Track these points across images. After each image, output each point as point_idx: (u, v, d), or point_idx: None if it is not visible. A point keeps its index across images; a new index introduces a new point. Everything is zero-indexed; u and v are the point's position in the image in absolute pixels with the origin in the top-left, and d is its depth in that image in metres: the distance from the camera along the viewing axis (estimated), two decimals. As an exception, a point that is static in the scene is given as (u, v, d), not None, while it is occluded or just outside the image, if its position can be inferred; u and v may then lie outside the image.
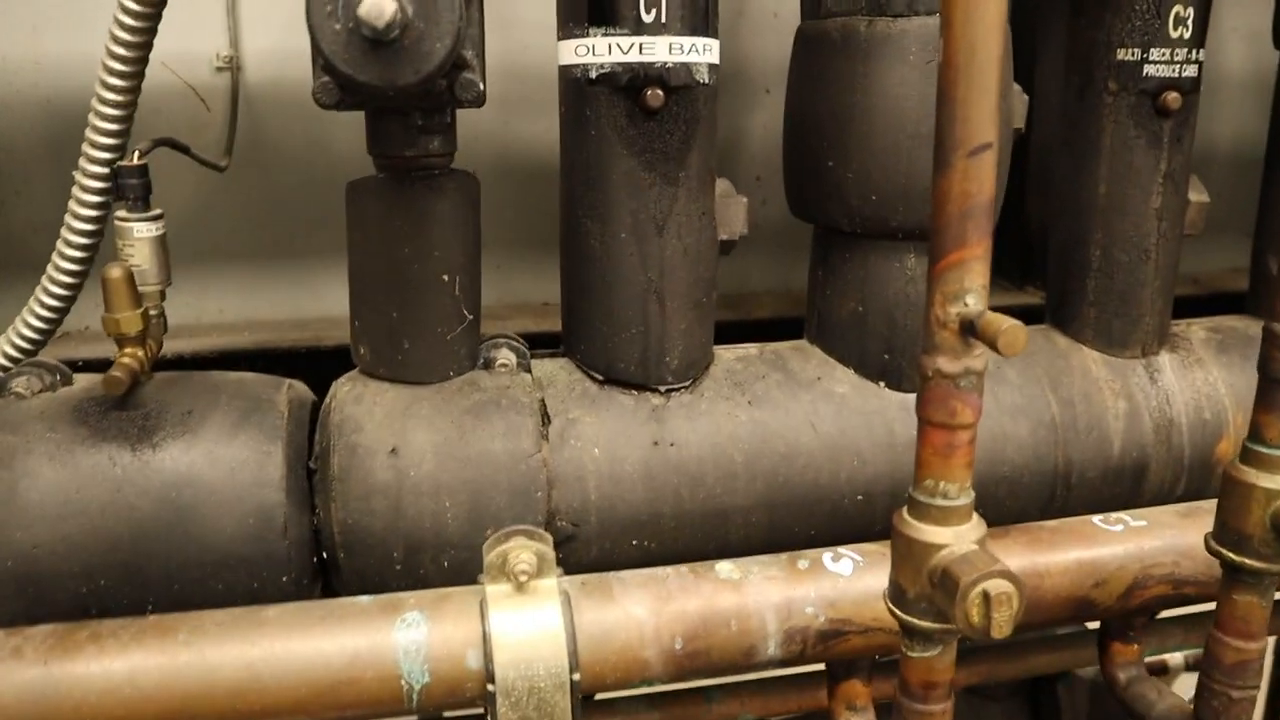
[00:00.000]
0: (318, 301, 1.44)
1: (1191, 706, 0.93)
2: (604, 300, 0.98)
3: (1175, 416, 1.12)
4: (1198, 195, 1.15)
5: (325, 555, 0.94)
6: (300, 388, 1.02)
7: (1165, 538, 0.99)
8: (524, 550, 0.82)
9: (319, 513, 0.93)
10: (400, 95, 0.68)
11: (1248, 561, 0.84)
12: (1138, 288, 1.12)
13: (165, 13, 0.97)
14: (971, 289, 0.68)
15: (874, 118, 0.96)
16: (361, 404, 0.96)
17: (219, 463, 0.87)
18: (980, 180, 0.66)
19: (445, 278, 0.95)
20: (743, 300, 1.48)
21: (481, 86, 0.77)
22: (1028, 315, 1.49)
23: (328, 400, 0.98)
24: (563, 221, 1.01)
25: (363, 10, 0.61)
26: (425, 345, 0.96)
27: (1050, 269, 1.19)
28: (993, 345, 0.64)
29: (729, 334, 1.39)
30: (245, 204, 1.40)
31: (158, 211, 0.98)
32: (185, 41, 1.31)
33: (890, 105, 0.96)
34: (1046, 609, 0.95)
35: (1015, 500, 1.08)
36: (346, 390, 0.98)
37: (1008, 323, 0.64)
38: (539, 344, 1.36)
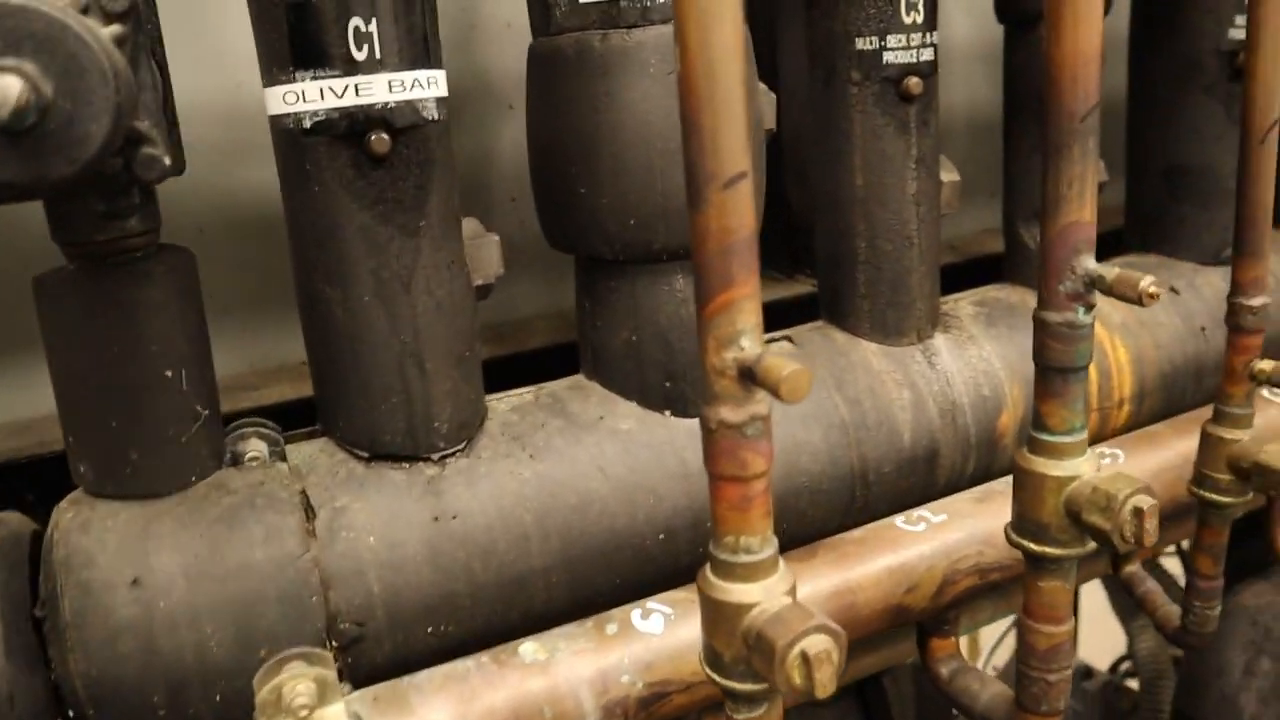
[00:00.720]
0: (35, 400, 1.27)
1: (1013, 693, 0.93)
2: (356, 371, 0.88)
3: (957, 398, 1.13)
4: (949, 175, 1.16)
5: (72, 715, 0.80)
6: (13, 521, 0.88)
7: (966, 528, 0.98)
8: (300, 680, 0.72)
9: (55, 668, 0.80)
10: (57, 189, 0.57)
11: (1048, 550, 0.83)
12: (906, 275, 1.12)
13: None
14: (745, 330, 0.62)
15: (621, 137, 0.90)
16: (90, 532, 0.83)
17: (-95, 645, 0.73)
18: (740, 213, 0.60)
19: (169, 373, 0.83)
20: (514, 330, 1.40)
21: (167, 161, 0.66)
22: (802, 305, 1.49)
23: (49, 532, 0.84)
24: (298, 288, 0.91)
25: (-21, 100, 0.50)
26: (157, 453, 0.84)
27: (819, 265, 1.18)
28: (775, 393, 0.59)
29: (503, 371, 1.31)
30: (-71, 298, 1.21)
31: None
32: None
33: (637, 122, 0.90)
34: (864, 624, 0.92)
35: (817, 509, 1.06)
36: (70, 517, 0.84)
37: (788, 368, 0.59)
38: (301, 413, 1.24)
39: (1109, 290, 0.76)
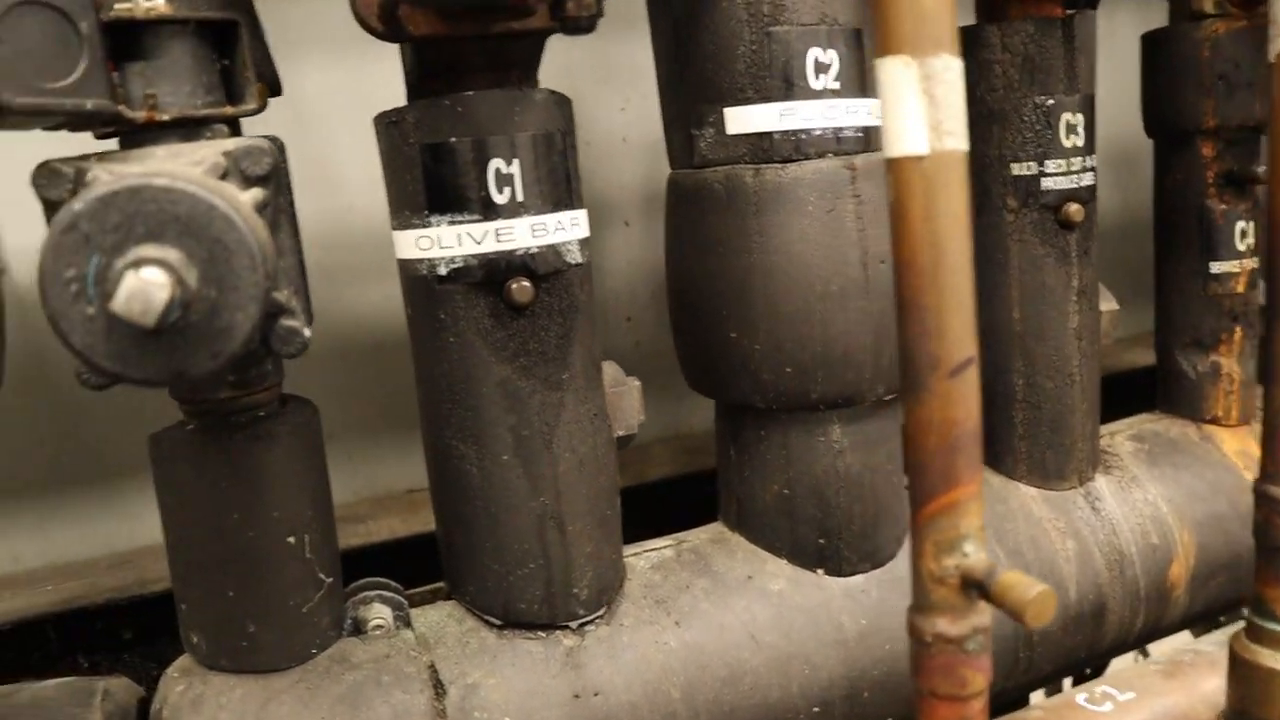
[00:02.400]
0: (135, 528, 1.22)
1: None
2: (492, 534, 0.81)
3: (1124, 547, 1.03)
4: (1108, 304, 1.07)
5: None
6: (120, 690, 0.81)
7: (1156, 708, 0.88)
8: None
9: None
10: (197, 384, 0.51)
11: (1280, 758, 0.73)
12: (1067, 414, 1.02)
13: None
14: (969, 533, 0.54)
15: (777, 280, 0.83)
16: (202, 710, 0.76)
17: None
18: (966, 402, 0.53)
19: (291, 540, 0.76)
20: (633, 458, 1.33)
21: (307, 333, 0.60)
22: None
23: (157, 707, 0.78)
24: (427, 443, 0.84)
25: (122, 304, 0.43)
26: (276, 624, 0.77)
27: (969, 401, 1.09)
28: (1017, 618, 0.51)
29: (625, 503, 1.24)
30: (32, 425, 1.17)
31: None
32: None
33: (794, 264, 0.83)
34: (1050, 822, 0.82)
35: (978, 672, 0.95)
36: (180, 691, 0.77)
37: (1034, 588, 0.50)
38: (411, 551, 1.18)
39: (1356, 464, 0.67)
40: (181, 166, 0.57)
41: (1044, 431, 1.03)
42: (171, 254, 0.47)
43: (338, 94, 1.18)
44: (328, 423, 1.29)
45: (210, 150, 0.58)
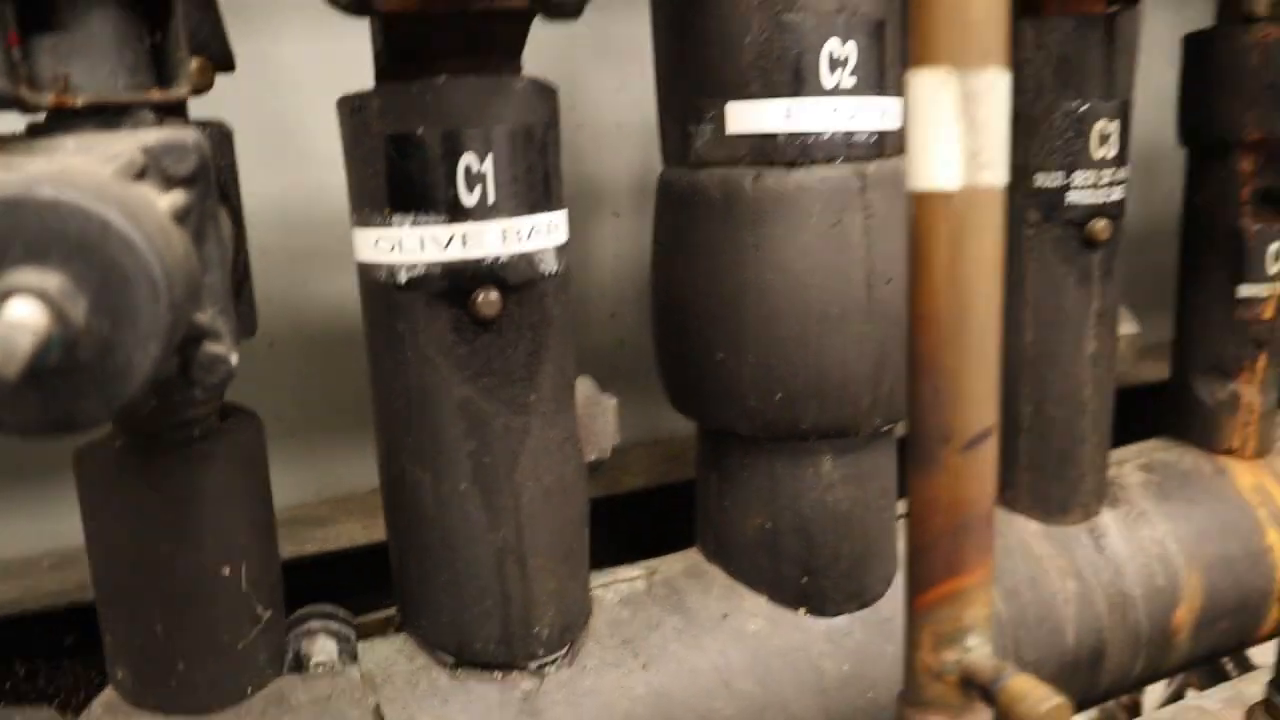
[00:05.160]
0: (79, 525, 1.15)
1: None
2: (447, 567, 0.74)
3: (1128, 589, 0.96)
4: (1128, 327, 1.00)
5: None
6: (37, 721, 0.74)
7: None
8: None
9: None
10: (89, 430, 0.43)
11: None
12: (1076, 445, 0.96)
13: None
14: (973, 626, 0.47)
15: (772, 299, 0.76)
16: (122, 754, 0.69)
17: None
18: (982, 479, 0.46)
19: (226, 570, 0.69)
20: (608, 463, 1.25)
21: (233, 360, 0.52)
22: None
23: (75, 746, 0.71)
24: (381, 463, 0.77)
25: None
26: (208, 663, 0.70)
27: (973, 426, 1.02)
28: (1031, 735, 0.44)
29: (597, 515, 1.17)
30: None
31: None
32: None
33: (792, 283, 0.76)
34: None
35: (968, 720, 0.89)
36: (100, 731, 0.71)
37: (1048, 702, 0.43)
38: (374, 561, 1.11)
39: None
40: (91, 163, 0.49)
41: (1050, 463, 0.96)
42: (51, 282, 0.39)
43: (316, 64, 1.10)
44: (290, 418, 1.22)
45: (127, 145, 0.50)
